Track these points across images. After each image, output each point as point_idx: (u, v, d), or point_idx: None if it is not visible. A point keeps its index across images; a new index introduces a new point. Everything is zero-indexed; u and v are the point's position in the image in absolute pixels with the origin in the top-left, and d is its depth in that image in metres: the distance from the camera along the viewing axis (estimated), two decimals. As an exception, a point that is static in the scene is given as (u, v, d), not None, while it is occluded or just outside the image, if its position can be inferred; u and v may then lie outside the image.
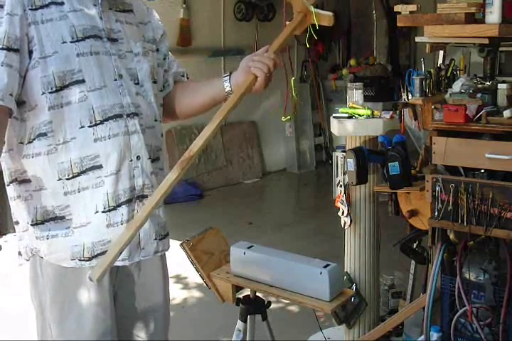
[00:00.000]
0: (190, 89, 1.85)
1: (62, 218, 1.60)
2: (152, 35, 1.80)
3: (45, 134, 1.56)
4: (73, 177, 1.58)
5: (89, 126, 1.57)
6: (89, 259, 1.62)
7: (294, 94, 1.91)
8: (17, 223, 1.70)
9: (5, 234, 4.92)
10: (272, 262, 2.01)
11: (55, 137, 1.56)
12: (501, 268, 2.22)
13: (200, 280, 2.20)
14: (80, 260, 1.62)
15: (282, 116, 2.12)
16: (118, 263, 1.65)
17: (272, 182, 7.05)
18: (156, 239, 1.72)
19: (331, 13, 1.76)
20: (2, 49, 1.49)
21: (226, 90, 1.75)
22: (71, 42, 1.56)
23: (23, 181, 1.62)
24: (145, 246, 1.69)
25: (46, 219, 1.61)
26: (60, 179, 1.58)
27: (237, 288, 2.13)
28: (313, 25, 1.75)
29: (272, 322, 2.25)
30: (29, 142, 1.59)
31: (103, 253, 1.62)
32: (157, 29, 1.83)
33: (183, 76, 1.91)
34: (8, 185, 1.66)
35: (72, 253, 1.61)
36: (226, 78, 1.76)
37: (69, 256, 1.62)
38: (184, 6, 6.16)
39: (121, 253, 1.52)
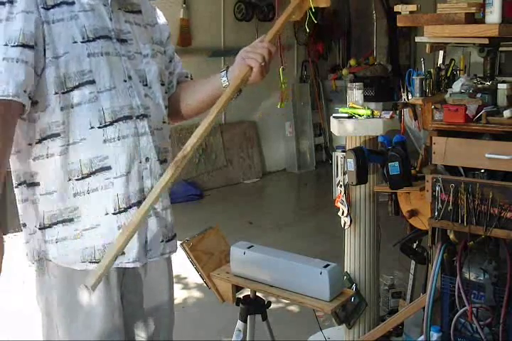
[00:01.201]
0: (190, 88, 1.85)
1: (70, 220, 1.60)
2: (159, 36, 1.80)
3: (58, 135, 1.56)
4: (82, 178, 1.58)
5: (99, 127, 1.57)
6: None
7: (282, 81, 1.87)
8: (24, 225, 1.68)
9: (5, 234, 4.92)
10: (272, 262, 2.01)
11: (66, 138, 1.56)
12: (501, 268, 2.22)
13: (200, 280, 2.20)
14: (90, 262, 1.61)
15: (279, 103, 2.07)
16: (129, 265, 1.65)
17: (271, 182, 7.05)
18: (162, 241, 1.71)
19: None
20: (17, 46, 1.48)
21: (224, 85, 1.73)
22: (82, 42, 1.56)
23: (31, 184, 1.61)
24: (152, 248, 1.69)
25: (54, 222, 1.60)
26: (69, 179, 1.57)
27: (237, 288, 2.13)
28: (312, 10, 1.73)
29: (272, 322, 2.25)
30: (37, 143, 1.57)
31: None
32: (164, 31, 1.82)
33: (186, 77, 1.90)
34: (16, 187, 1.65)
35: (82, 255, 1.60)
36: (223, 73, 1.75)
37: (79, 259, 1.61)
38: (184, 6, 6.16)
39: (116, 258, 1.50)
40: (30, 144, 1.59)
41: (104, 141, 1.58)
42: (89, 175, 1.58)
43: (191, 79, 1.92)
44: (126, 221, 1.61)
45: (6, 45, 1.47)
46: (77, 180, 1.58)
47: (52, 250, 1.62)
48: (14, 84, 1.46)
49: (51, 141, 1.56)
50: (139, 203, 1.63)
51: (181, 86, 1.87)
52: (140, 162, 1.63)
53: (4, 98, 1.46)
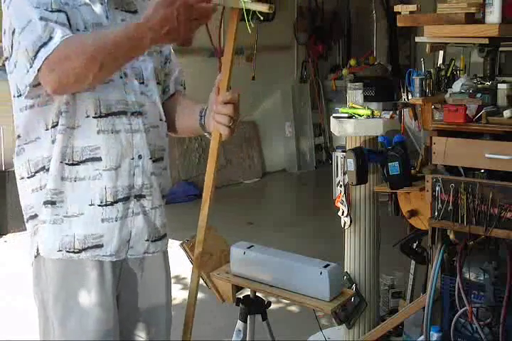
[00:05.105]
0: (178, 111, 1.81)
1: (53, 203, 1.59)
2: None
3: (67, 112, 1.56)
4: (73, 164, 1.58)
5: (94, 117, 1.58)
6: (79, 251, 1.61)
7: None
8: (35, 216, 1.65)
9: (5, 234, 4.93)
10: (272, 262, 2.01)
11: (68, 120, 1.56)
12: (501, 268, 2.22)
13: (200, 281, 2.20)
14: (67, 251, 1.60)
15: None
16: (105, 259, 1.64)
17: (271, 182, 7.05)
18: (147, 240, 1.71)
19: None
20: (52, 11, 1.48)
21: (202, 132, 1.72)
22: (83, 31, 1.56)
23: (48, 169, 1.60)
24: (134, 245, 1.68)
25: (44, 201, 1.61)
26: (61, 162, 1.58)
27: (237, 288, 2.13)
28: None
29: (272, 322, 2.25)
30: (53, 126, 1.57)
31: (94, 246, 1.61)
32: None
33: (181, 85, 1.89)
34: (32, 177, 1.63)
35: (61, 243, 1.60)
36: (201, 116, 1.70)
37: (57, 247, 1.60)
38: (184, 6, 6.16)
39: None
40: (47, 129, 1.59)
41: (98, 132, 1.58)
42: (78, 163, 1.58)
43: (184, 88, 1.91)
44: (111, 214, 1.61)
45: (38, 7, 1.47)
46: (67, 164, 1.58)
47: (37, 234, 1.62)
48: (67, 29, 1.47)
49: (61, 117, 1.57)
50: (126, 199, 1.63)
51: (174, 102, 1.83)
52: (132, 158, 1.63)
53: (68, 36, 1.45)
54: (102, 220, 1.61)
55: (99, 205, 1.60)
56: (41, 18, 1.46)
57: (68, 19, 1.52)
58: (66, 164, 1.58)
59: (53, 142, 1.59)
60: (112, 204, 1.61)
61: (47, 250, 1.62)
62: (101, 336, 1.64)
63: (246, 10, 1.52)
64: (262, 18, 1.56)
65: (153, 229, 1.72)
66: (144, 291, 1.74)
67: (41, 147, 1.61)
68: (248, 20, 1.54)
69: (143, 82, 1.69)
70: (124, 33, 1.42)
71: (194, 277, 1.75)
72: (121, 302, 1.71)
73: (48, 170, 1.61)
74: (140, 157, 1.65)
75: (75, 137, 1.57)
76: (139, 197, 1.66)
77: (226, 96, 1.57)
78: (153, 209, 1.71)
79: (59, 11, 1.49)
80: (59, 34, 1.44)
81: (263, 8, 1.52)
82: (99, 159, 1.59)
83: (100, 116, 1.58)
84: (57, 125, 1.57)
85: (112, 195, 1.61)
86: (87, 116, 1.57)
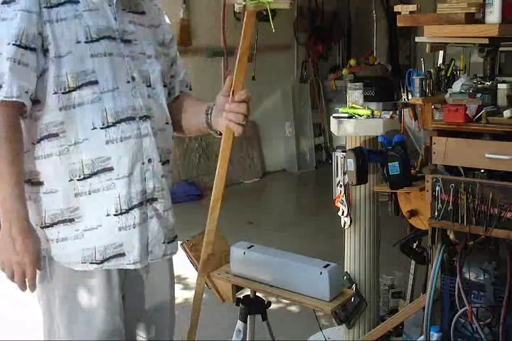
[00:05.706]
0: (183, 110, 1.83)
1: (71, 220, 1.59)
2: (162, 38, 1.79)
3: (56, 135, 1.56)
4: (84, 178, 1.57)
5: (102, 128, 1.57)
6: (101, 262, 1.61)
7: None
8: None
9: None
10: (272, 262, 2.02)
11: (67, 138, 1.56)
12: (501, 268, 2.22)
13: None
14: (91, 263, 1.61)
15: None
16: (129, 267, 1.65)
17: (271, 182, 7.04)
18: (164, 243, 1.71)
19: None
20: (19, 46, 1.48)
21: (209, 130, 1.74)
22: (85, 42, 1.55)
23: (36, 183, 1.60)
24: (153, 249, 1.68)
25: (55, 222, 1.60)
26: (71, 180, 1.57)
27: (237, 288, 2.13)
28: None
29: (271, 322, 2.25)
30: (37, 142, 1.58)
31: (115, 256, 1.62)
32: (167, 33, 1.82)
33: (187, 86, 1.89)
34: None
35: (83, 256, 1.60)
36: (208, 114, 1.71)
37: (80, 260, 1.61)
38: (184, 6, 6.16)
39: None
40: (33, 143, 1.59)
41: (107, 142, 1.58)
42: (90, 176, 1.58)
43: (190, 89, 1.91)
44: (128, 222, 1.61)
45: (9, 44, 1.48)
46: (78, 180, 1.58)
47: (54, 250, 1.62)
48: (17, 86, 1.48)
49: (48, 141, 1.57)
50: (140, 204, 1.63)
51: (180, 103, 1.84)
52: (143, 163, 1.63)
53: (8, 99, 1.47)
54: (120, 229, 1.61)
55: (115, 214, 1.60)
56: (7, 59, 1.48)
57: (47, 44, 1.52)
58: (77, 180, 1.58)
59: (37, 159, 1.58)
60: (127, 211, 1.61)
61: (72, 263, 1.62)
62: (106, 336, 1.64)
63: (264, 10, 1.53)
64: (271, 16, 1.58)
65: (168, 230, 1.73)
66: (149, 293, 1.75)
67: (28, 160, 1.60)
68: (269, 20, 1.53)
69: (150, 85, 1.68)
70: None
71: (201, 280, 1.75)
72: (127, 303, 1.71)
73: (34, 183, 1.60)
74: (150, 161, 1.64)
75: (82, 151, 1.57)
76: (152, 200, 1.66)
77: (241, 95, 1.58)
78: (166, 211, 1.71)
79: (27, 48, 1.49)
80: (4, 90, 1.48)
81: (285, 5, 1.53)
82: (111, 169, 1.59)
83: (108, 126, 1.57)
84: (38, 142, 1.57)
85: (127, 202, 1.61)
86: (94, 128, 1.56)
